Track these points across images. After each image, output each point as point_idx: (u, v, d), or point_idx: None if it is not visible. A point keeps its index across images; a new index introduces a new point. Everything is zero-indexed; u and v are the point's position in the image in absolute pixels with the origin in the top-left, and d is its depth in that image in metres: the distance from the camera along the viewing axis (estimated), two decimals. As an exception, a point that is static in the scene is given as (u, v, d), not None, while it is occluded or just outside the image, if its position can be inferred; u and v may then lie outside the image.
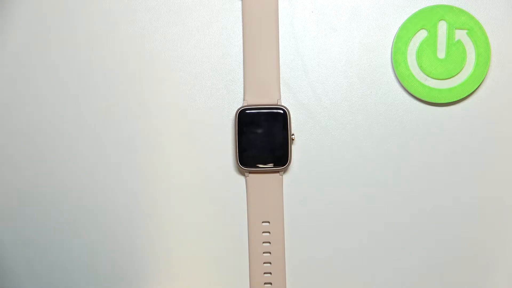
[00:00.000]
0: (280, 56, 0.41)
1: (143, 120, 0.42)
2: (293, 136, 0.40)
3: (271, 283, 0.42)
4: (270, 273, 0.42)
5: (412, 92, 0.41)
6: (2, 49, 0.42)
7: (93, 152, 0.42)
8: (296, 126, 0.41)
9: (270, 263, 0.42)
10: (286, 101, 0.41)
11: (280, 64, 0.41)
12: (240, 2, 0.41)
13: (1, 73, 0.42)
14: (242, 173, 0.42)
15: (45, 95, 0.42)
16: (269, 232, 0.42)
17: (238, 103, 0.41)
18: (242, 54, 0.41)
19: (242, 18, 0.41)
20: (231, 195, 0.42)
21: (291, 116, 0.40)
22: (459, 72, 0.40)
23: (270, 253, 0.42)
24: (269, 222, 0.41)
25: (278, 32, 0.40)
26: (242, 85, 0.41)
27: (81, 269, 0.43)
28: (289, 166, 0.41)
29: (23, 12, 0.42)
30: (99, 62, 0.42)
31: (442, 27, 0.40)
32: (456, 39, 0.40)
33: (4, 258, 0.43)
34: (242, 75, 0.41)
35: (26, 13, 0.42)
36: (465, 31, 0.40)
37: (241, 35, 0.41)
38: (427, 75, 0.41)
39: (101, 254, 0.43)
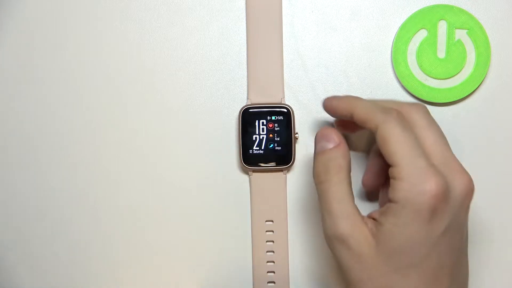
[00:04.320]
0: (280, 56, 0.41)
1: (144, 120, 0.42)
2: (297, 135, 0.40)
3: (274, 282, 0.42)
4: (274, 272, 0.42)
5: (412, 92, 0.41)
6: (2, 49, 0.41)
7: (94, 152, 0.42)
8: (296, 126, 0.41)
9: (273, 262, 0.42)
10: (286, 101, 0.41)
11: (280, 64, 0.41)
12: (242, 2, 0.41)
13: (1, 73, 0.42)
14: (245, 172, 0.41)
15: (45, 95, 0.42)
16: (273, 231, 0.41)
17: (238, 103, 0.41)
18: (242, 54, 0.41)
19: (246, 17, 0.41)
20: (234, 194, 0.42)
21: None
22: (459, 72, 0.41)
23: (273, 252, 0.42)
24: (272, 221, 0.41)
25: (282, 31, 0.40)
26: (242, 85, 0.41)
27: (82, 269, 0.43)
28: (293, 165, 0.41)
29: (22, 12, 0.41)
30: (99, 62, 0.41)
31: (442, 27, 0.40)
32: (456, 39, 0.40)
33: (4, 258, 0.43)
34: (242, 75, 0.41)
35: (25, 13, 0.41)
36: (465, 31, 0.40)
37: (241, 35, 0.41)
38: (427, 75, 0.41)
39: (104, 253, 0.42)
